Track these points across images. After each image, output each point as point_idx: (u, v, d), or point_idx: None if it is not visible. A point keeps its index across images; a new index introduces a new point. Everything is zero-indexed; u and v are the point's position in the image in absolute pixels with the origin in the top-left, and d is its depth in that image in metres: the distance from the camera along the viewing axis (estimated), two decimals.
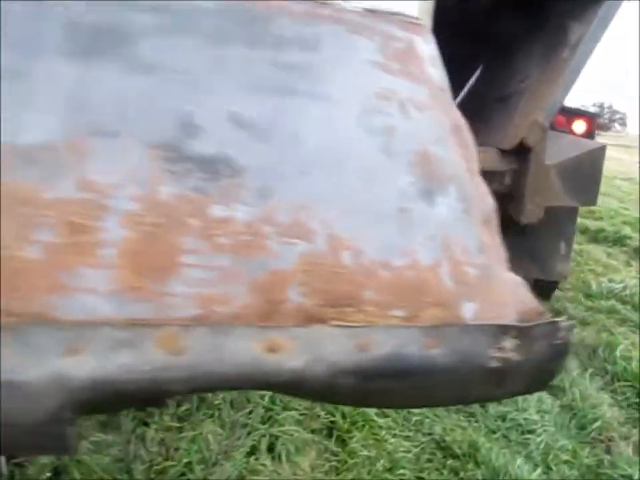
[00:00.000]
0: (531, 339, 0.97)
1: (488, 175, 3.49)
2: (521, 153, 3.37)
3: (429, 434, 2.73)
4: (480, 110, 4.16)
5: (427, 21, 1.47)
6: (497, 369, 0.94)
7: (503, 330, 0.95)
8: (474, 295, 1.00)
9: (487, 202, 1.17)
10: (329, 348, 0.87)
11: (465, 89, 4.49)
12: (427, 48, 1.38)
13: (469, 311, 0.98)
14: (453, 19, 4.61)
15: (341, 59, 1.24)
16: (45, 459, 2.31)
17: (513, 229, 3.64)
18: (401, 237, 1.02)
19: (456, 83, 4.46)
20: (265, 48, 1.18)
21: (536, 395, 2.97)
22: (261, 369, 0.83)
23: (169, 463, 2.43)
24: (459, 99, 4.54)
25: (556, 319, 1.00)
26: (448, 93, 1.31)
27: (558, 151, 3.41)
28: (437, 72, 1.34)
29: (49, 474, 2.25)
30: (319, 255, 0.95)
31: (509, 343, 0.95)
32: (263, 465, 2.40)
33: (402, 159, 1.13)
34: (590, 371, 3.18)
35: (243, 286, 0.89)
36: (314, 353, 0.86)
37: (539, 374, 1.03)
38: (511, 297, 1.05)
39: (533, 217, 3.42)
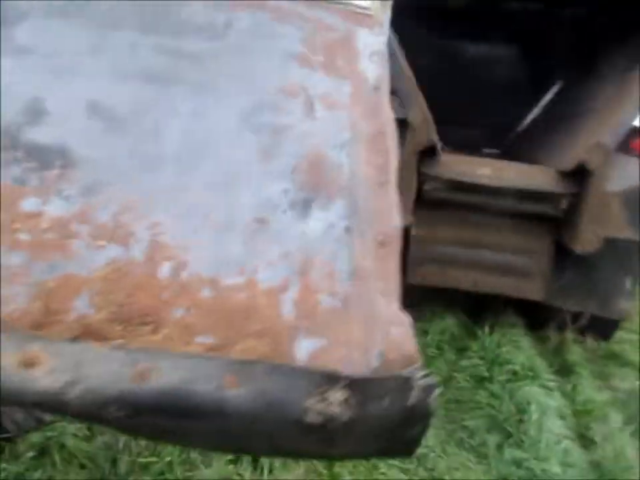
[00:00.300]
0: (368, 394, 0.76)
1: (542, 197, 3.15)
2: (580, 175, 3.00)
3: (431, 469, 2.47)
4: (551, 128, 3.79)
5: (383, 13, 1.27)
6: (317, 425, 0.75)
7: (330, 379, 0.75)
8: (318, 330, 0.81)
9: (389, 221, 0.97)
10: (98, 371, 0.72)
11: (540, 105, 4.11)
12: (371, 41, 1.19)
13: (303, 349, 0.79)
14: (538, 28, 4.24)
15: (250, 48, 1.09)
16: (34, 438, 2.33)
17: (570, 258, 3.26)
18: (245, 252, 0.85)
19: (534, 97, 4.05)
20: (160, 34, 1.06)
21: (563, 444, 2.61)
22: (7, 384, 0.71)
23: (154, 459, 2.37)
24: (532, 114, 4.17)
25: (410, 374, 0.79)
26: (382, 93, 1.12)
27: (625, 177, 2.99)
28: (374, 68, 1.14)
29: (33, 453, 2.26)
30: (131, 263, 0.81)
31: (336, 395, 0.75)
32: (240, 474, 2.27)
33: (283, 162, 0.96)
34: (634, 426, 2.74)
35: (25, 289, 0.77)
36: (77, 375, 0.72)
37: (389, 438, 0.81)
38: (378, 337, 0.85)
39: (589, 247, 3.03)
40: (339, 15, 1.20)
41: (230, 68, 1.04)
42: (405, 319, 0.89)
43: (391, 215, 0.98)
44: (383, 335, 0.85)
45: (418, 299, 3.66)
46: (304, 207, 0.91)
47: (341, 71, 1.11)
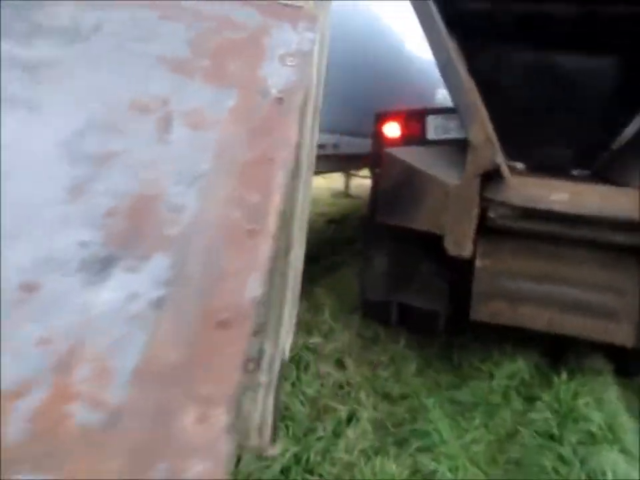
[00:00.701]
0: None
1: (628, 225, 2.55)
2: None
3: None
4: None
5: (319, 5, 0.94)
6: None
7: None
8: (48, 464, 0.51)
9: (242, 290, 0.64)
10: None
11: (637, 120, 3.44)
12: (290, 39, 0.86)
13: None
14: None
15: (112, 54, 0.81)
16: None
17: None
18: None
19: (632, 111, 3.39)
20: (6, 40, 0.82)
21: None
22: None
23: None
24: (629, 131, 3.51)
25: None
26: (286, 105, 0.79)
27: None
28: (284, 73, 0.82)
29: None
30: None
31: None
32: None
33: (96, 203, 0.66)
34: None
35: None
36: None
37: None
38: (158, 477, 0.52)
39: None
40: (255, 9, 0.89)
41: (72, 80, 0.77)
42: (224, 445, 0.55)
43: (247, 280, 0.64)
44: (168, 474, 0.52)
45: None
46: (101, 267, 0.62)
47: (228, 79, 0.80)
